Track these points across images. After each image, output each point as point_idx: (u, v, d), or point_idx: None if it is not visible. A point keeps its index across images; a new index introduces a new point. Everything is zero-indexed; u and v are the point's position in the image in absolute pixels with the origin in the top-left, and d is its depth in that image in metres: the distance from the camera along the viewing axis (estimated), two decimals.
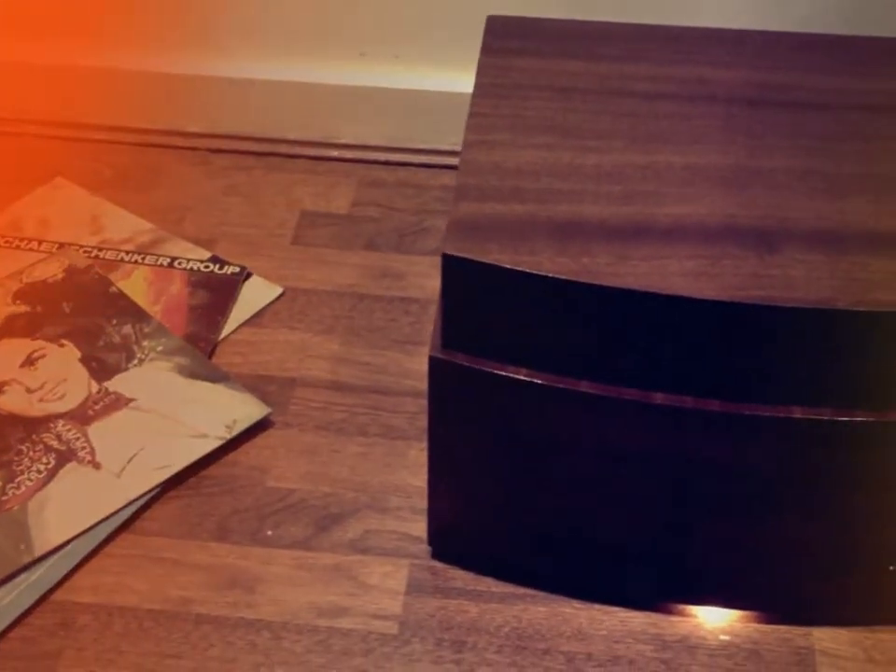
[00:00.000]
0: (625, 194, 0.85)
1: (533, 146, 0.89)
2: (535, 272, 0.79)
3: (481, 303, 0.83)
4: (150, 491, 1.02)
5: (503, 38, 0.99)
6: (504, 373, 0.84)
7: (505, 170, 0.87)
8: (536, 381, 0.84)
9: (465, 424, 0.89)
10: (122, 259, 1.25)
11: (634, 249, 0.81)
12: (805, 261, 0.79)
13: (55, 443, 1.05)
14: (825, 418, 0.81)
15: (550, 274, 0.79)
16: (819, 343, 0.79)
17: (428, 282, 1.25)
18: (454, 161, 1.40)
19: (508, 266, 0.79)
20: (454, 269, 0.81)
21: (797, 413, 0.82)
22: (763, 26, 1.04)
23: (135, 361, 1.13)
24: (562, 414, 0.86)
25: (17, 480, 1.02)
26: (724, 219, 0.83)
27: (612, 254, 0.80)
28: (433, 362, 0.86)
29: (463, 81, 1.33)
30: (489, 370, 0.84)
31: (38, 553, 0.97)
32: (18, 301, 1.19)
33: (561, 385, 0.84)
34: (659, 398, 0.83)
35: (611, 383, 0.83)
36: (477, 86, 0.95)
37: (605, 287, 0.79)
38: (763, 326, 0.78)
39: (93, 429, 1.07)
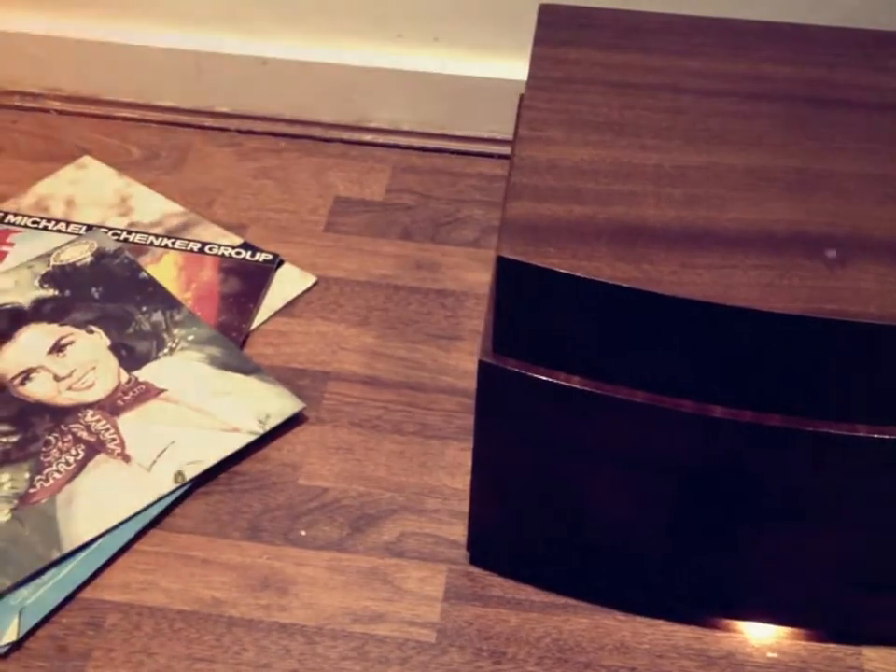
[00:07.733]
0: (687, 197, 0.82)
1: (589, 143, 0.86)
2: (594, 278, 0.76)
3: (535, 309, 0.79)
4: (181, 486, 1.00)
5: (557, 29, 0.95)
6: (557, 381, 0.81)
7: (561, 169, 0.83)
8: (589, 390, 0.81)
9: (512, 430, 0.86)
10: (152, 243, 1.22)
11: (697, 257, 0.78)
12: (878, 273, 0.76)
13: (84, 434, 1.03)
14: (891, 437, 0.78)
15: (610, 281, 0.76)
16: (890, 360, 0.76)
17: (464, 274, 1.22)
18: (491, 148, 1.37)
19: (566, 271, 0.76)
20: (509, 272, 0.78)
21: (861, 432, 0.79)
22: (823, 21, 1.00)
23: (166, 350, 1.10)
24: (614, 425, 0.83)
25: (45, 472, 0.99)
26: (791, 226, 0.80)
27: (674, 261, 0.77)
28: (483, 367, 0.83)
29: (504, 67, 1.30)
30: (541, 377, 0.81)
31: (67, 548, 0.95)
32: (45, 285, 1.16)
33: (615, 395, 0.81)
34: (717, 411, 0.80)
35: (668, 394, 0.80)
36: (530, 78, 0.91)
37: (667, 296, 0.75)
38: (832, 341, 0.75)
39: (123, 420, 1.04)
